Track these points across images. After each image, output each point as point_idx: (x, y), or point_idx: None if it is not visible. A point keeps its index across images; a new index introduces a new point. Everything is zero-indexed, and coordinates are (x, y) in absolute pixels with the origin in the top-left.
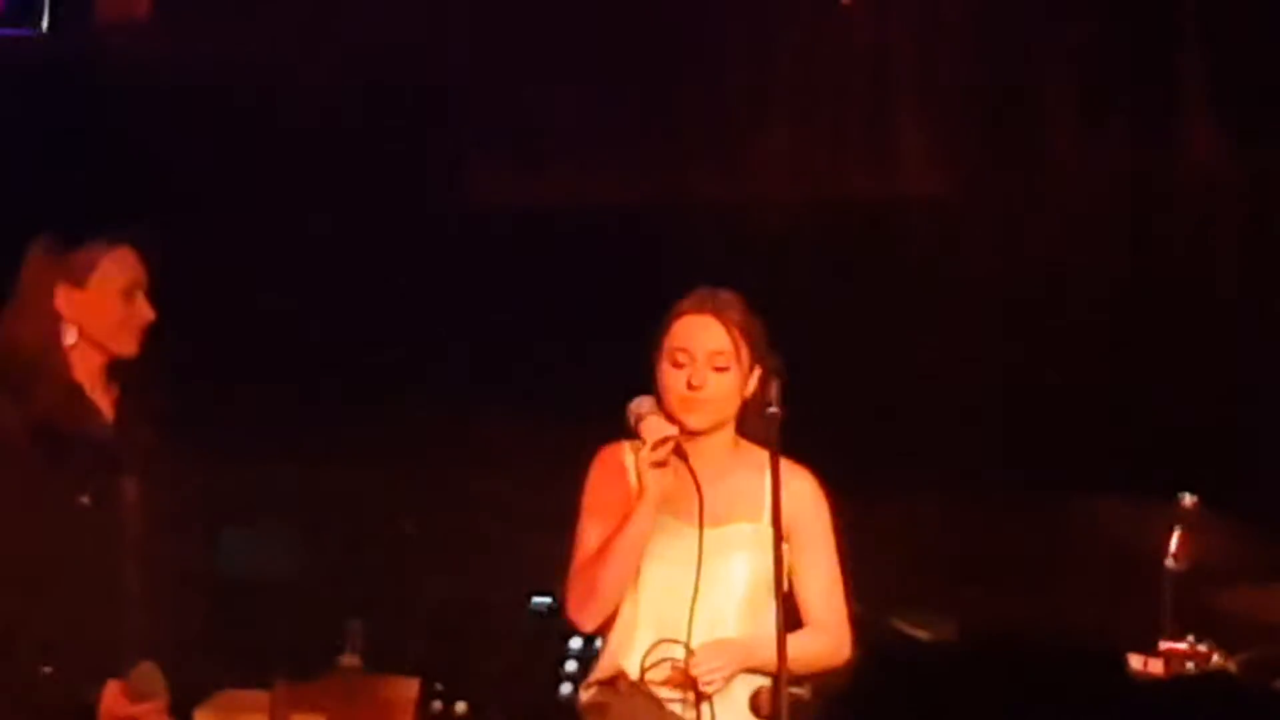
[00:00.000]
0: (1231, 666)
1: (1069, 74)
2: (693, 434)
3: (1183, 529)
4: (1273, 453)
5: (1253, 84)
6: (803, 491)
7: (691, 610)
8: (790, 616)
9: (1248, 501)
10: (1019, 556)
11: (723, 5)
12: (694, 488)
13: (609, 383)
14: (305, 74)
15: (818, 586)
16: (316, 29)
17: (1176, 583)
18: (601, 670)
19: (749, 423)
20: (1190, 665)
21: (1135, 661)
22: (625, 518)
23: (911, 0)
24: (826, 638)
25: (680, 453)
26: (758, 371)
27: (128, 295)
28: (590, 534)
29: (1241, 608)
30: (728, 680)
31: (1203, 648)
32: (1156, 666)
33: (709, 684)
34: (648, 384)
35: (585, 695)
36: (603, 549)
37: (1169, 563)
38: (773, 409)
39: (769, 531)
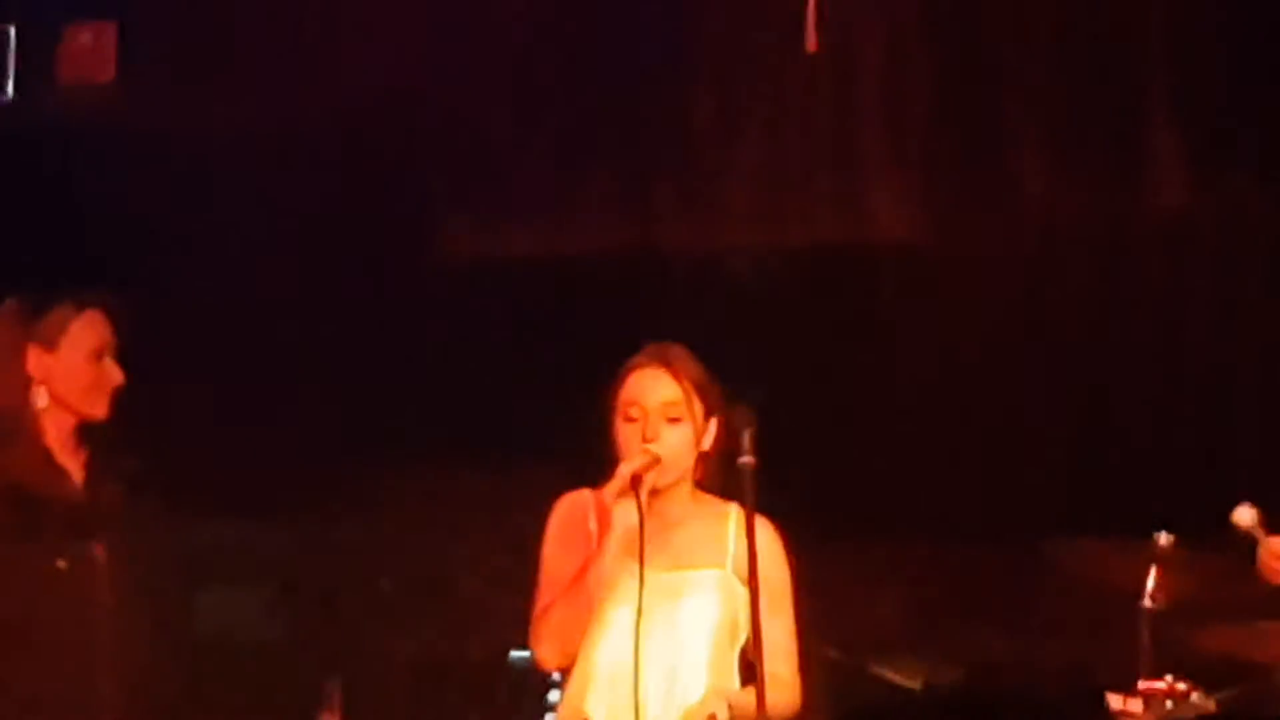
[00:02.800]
0: (1210, 705)
1: (1037, 117)
2: (652, 491)
3: (1160, 568)
4: (1248, 489)
5: (1222, 123)
6: (764, 542)
7: (636, 656)
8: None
9: (1224, 540)
10: (996, 598)
11: (689, 54)
12: (655, 537)
13: (586, 439)
14: (272, 134)
15: (776, 637)
16: (282, 89)
17: (1154, 622)
18: (562, 716)
19: (710, 477)
20: (1169, 704)
21: (1114, 701)
22: (589, 556)
23: (877, 47)
24: (780, 690)
25: (636, 484)
26: (714, 425)
27: (97, 358)
28: (553, 573)
29: (1219, 646)
30: None
31: (1182, 686)
32: (1136, 706)
33: None
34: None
35: None
36: (567, 586)
37: (1146, 602)
38: (745, 459)
39: (731, 578)
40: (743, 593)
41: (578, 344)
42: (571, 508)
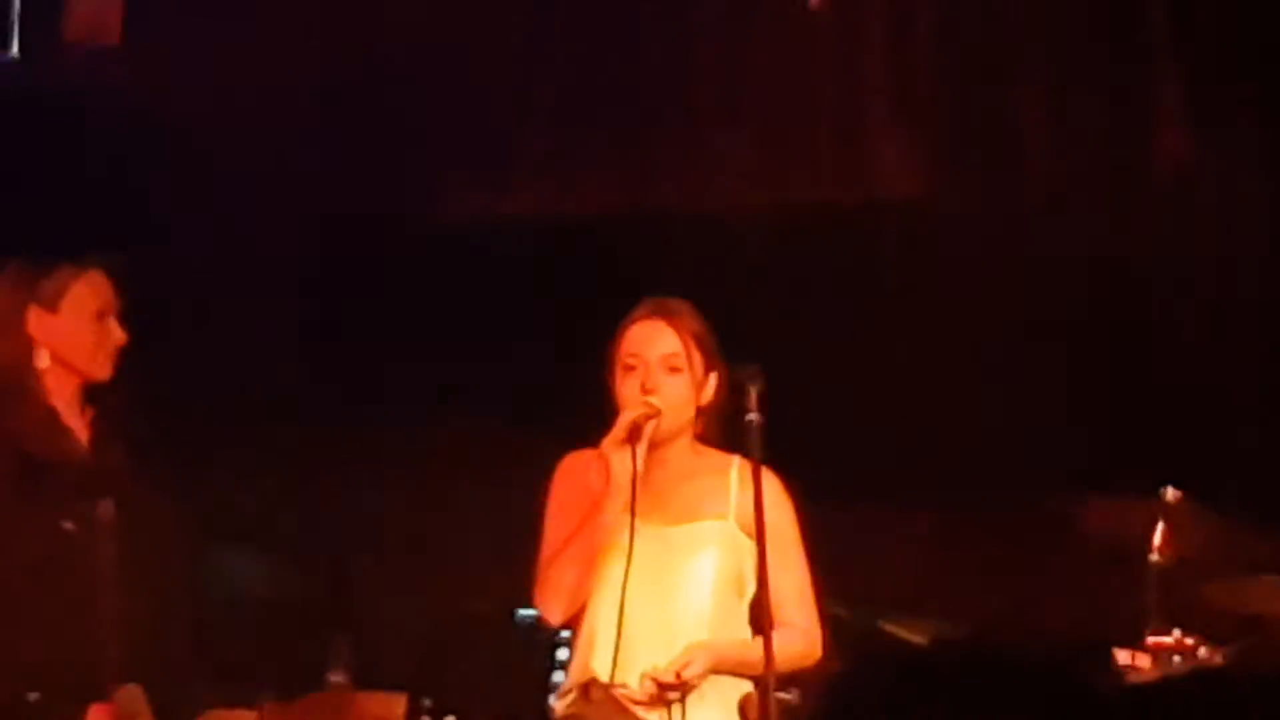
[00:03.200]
0: (1218, 659)
1: (1040, 72)
2: (653, 444)
3: (1167, 523)
4: (1254, 444)
5: (1225, 76)
6: (769, 494)
7: (621, 607)
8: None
9: (1231, 494)
10: (1004, 555)
11: (691, 9)
12: (656, 490)
13: (590, 395)
14: (276, 95)
15: (787, 587)
16: (286, 50)
17: (1162, 577)
18: (573, 676)
19: (710, 431)
20: (1177, 659)
21: (1122, 656)
22: (590, 510)
23: (880, 2)
24: (797, 638)
25: (635, 435)
26: (713, 378)
27: (100, 319)
28: (556, 531)
29: (1227, 600)
30: (700, 680)
31: (1189, 641)
32: (1144, 661)
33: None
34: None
35: (561, 704)
36: (569, 540)
37: (1154, 557)
38: (752, 415)
39: (735, 529)
40: (747, 543)
41: (579, 303)
42: (574, 467)
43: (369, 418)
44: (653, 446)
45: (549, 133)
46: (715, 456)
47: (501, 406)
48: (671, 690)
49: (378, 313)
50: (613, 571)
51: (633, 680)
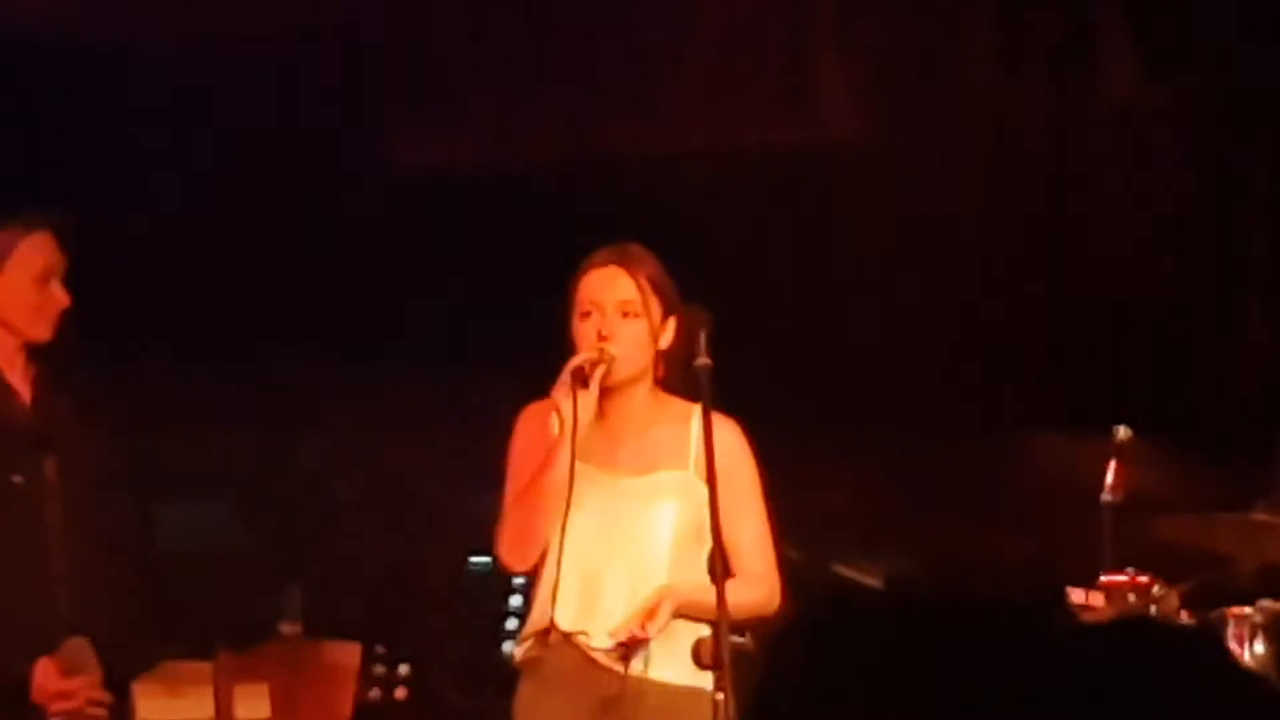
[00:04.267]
0: (1172, 598)
1: (988, 13)
2: (610, 388)
3: (1119, 462)
4: (1206, 383)
5: (1172, 17)
6: (729, 442)
7: (560, 548)
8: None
9: (1182, 432)
10: (956, 495)
11: None
12: (616, 439)
13: (543, 342)
14: (225, 48)
15: (747, 536)
16: (234, 2)
17: (1114, 516)
18: (533, 623)
19: (671, 376)
20: (1131, 597)
21: (1076, 595)
22: (547, 456)
23: None
24: (757, 587)
25: (581, 377)
26: (672, 323)
27: (44, 280)
28: (516, 477)
29: (1180, 538)
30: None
31: (1143, 579)
32: (1098, 600)
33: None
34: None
35: (520, 650)
36: (527, 487)
37: (1106, 496)
38: (702, 359)
39: (694, 479)
40: (707, 493)
41: (534, 252)
42: (536, 417)
43: (320, 369)
44: (612, 392)
45: (497, 85)
46: (676, 405)
47: (454, 355)
48: (640, 645)
49: (328, 264)
50: (573, 518)
51: (591, 628)
